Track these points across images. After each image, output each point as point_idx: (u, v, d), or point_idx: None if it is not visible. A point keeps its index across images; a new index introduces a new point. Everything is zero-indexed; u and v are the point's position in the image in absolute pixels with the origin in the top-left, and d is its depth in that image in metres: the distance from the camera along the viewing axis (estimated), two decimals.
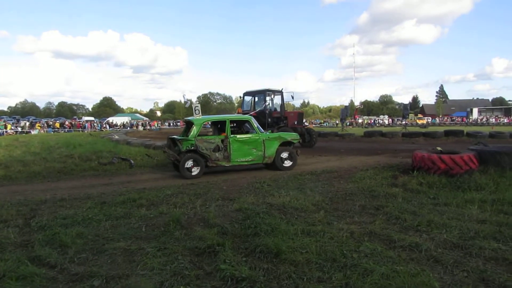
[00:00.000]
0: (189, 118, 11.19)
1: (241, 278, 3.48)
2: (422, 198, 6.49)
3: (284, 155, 11.02)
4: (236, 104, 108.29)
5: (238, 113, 11.49)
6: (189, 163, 10.06)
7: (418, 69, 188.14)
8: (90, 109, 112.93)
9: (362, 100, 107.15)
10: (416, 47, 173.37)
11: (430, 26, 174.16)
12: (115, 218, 5.71)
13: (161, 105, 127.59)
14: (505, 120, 65.02)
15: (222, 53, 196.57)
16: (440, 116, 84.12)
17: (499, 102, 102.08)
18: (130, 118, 75.17)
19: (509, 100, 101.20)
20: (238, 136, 10.70)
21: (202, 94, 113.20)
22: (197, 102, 11.86)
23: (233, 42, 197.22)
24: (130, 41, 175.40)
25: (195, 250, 4.29)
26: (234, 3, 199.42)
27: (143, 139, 23.04)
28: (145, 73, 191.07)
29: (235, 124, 11.59)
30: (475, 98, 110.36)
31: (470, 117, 74.32)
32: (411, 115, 78.92)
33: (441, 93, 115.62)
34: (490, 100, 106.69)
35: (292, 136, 11.57)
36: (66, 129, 52.74)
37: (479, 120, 69.31)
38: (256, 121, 11.44)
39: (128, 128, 60.14)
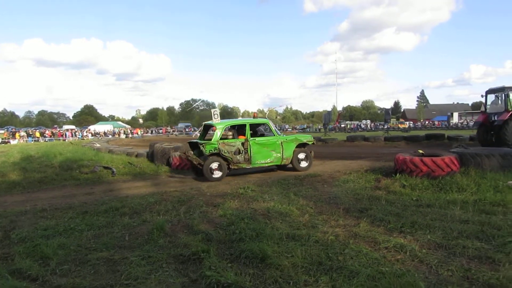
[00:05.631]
0: (210, 122, 11.55)
1: (227, 285, 3.44)
2: (405, 200, 6.54)
3: (301, 156, 11.46)
4: (219, 111, 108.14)
5: (254, 117, 12.18)
6: (213, 166, 10.36)
7: (399, 75, 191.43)
8: (71, 118, 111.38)
9: (345, 106, 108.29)
10: (397, 54, 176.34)
11: (410, 34, 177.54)
12: (98, 228, 5.62)
13: (143, 112, 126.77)
14: None
15: (205, 61, 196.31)
16: (422, 120, 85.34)
17: (478, 106, 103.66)
18: (112, 126, 74.37)
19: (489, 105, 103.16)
20: (257, 139, 11.10)
21: (185, 101, 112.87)
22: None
23: (216, 51, 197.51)
24: (113, 49, 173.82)
25: (179, 258, 4.24)
26: (218, 12, 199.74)
27: (126, 147, 22.78)
28: (128, 80, 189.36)
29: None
30: (455, 103, 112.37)
31: (451, 121, 75.43)
32: (393, 120, 79.94)
33: (422, 98, 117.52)
34: (470, 105, 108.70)
35: (307, 138, 12.05)
36: (46, 138, 51.91)
37: (459, 124, 70.39)
38: (273, 124, 11.85)
39: (110, 136, 59.46)
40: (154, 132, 70.86)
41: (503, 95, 14.48)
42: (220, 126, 10.86)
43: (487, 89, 15.33)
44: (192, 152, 11.04)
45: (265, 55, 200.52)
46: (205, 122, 12.28)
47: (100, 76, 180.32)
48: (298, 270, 3.69)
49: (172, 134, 65.87)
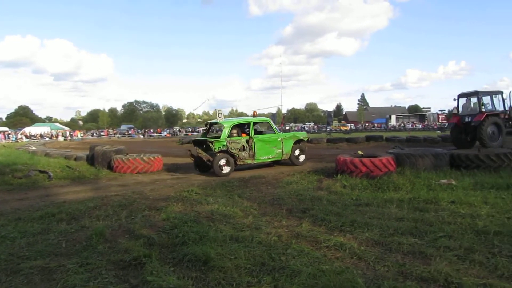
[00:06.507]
0: (215, 120, 12.55)
1: None
2: (345, 200, 6.77)
3: (297, 151, 12.51)
4: (163, 113, 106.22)
5: (254, 116, 13.13)
6: (221, 162, 11.05)
7: (340, 78, 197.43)
8: (4, 119, 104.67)
9: (289, 108, 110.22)
10: (338, 58, 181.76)
11: (351, 39, 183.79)
12: (32, 235, 5.32)
13: (84, 114, 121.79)
14: (420, 126, 69.84)
15: (149, 62, 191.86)
16: (362, 122, 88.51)
17: (414, 109, 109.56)
18: (49, 128, 70.95)
19: (424, 108, 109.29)
20: (260, 136, 12.11)
21: (128, 102, 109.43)
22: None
23: (160, 52, 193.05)
24: (51, 47, 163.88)
25: (120, 264, 4.11)
26: (162, 14, 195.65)
27: (64, 150, 21.90)
28: (67, 80, 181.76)
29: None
30: (393, 106, 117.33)
31: (389, 123, 78.81)
32: (335, 122, 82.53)
33: (362, 101, 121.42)
34: (406, 108, 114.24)
35: (303, 135, 13.47)
36: None
37: (397, 126, 73.75)
38: (273, 123, 13.06)
39: (47, 138, 56.76)
40: (95, 134, 68.44)
41: (477, 98, 15.46)
42: (227, 124, 11.62)
43: (459, 93, 16.46)
44: (201, 149, 11.56)
45: (210, 57, 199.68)
46: (210, 121, 13.36)
47: (37, 76, 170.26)
48: (241, 272, 3.70)
49: (114, 136, 64.09)
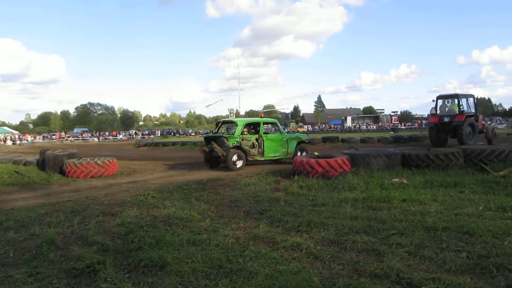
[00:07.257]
0: (228, 119, 14.61)
1: None
2: (302, 200, 6.86)
3: (301, 152, 13.53)
4: (119, 115, 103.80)
5: (261, 117, 14.75)
6: (235, 157, 11.97)
7: (298, 80, 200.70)
8: None
9: (247, 110, 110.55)
10: (295, 60, 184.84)
11: (307, 42, 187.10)
12: None
13: (34, 116, 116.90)
14: (374, 127, 72.13)
15: (103, 64, 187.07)
16: (319, 124, 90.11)
17: (369, 110, 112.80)
18: None
19: (377, 109, 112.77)
20: (268, 135, 13.29)
21: (81, 105, 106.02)
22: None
23: (116, 54, 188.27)
24: None
25: (72, 272, 3.96)
26: (117, 14, 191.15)
27: (12, 154, 20.90)
28: (15, 82, 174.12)
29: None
30: (348, 108, 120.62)
31: (345, 124, 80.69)
32: (293, 124, 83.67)
33: (319, 103, 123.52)
34: (361, 109, 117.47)
35: (305, 137, 14.63)
36: None
37: (352, 127, 75.66)
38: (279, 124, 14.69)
39: None
40: (46, 138, 65.90)
41: (457, 100, 16.34)
42: (241, 123, 12.83)
43: (438, 95, 17.56)
44: (216, 145, 12.20)
45: (167, 59, 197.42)
46: (222, 120, 14.57)
47: None
48: (199, 275, 3.67)
49: (67, 140, 62.07)
